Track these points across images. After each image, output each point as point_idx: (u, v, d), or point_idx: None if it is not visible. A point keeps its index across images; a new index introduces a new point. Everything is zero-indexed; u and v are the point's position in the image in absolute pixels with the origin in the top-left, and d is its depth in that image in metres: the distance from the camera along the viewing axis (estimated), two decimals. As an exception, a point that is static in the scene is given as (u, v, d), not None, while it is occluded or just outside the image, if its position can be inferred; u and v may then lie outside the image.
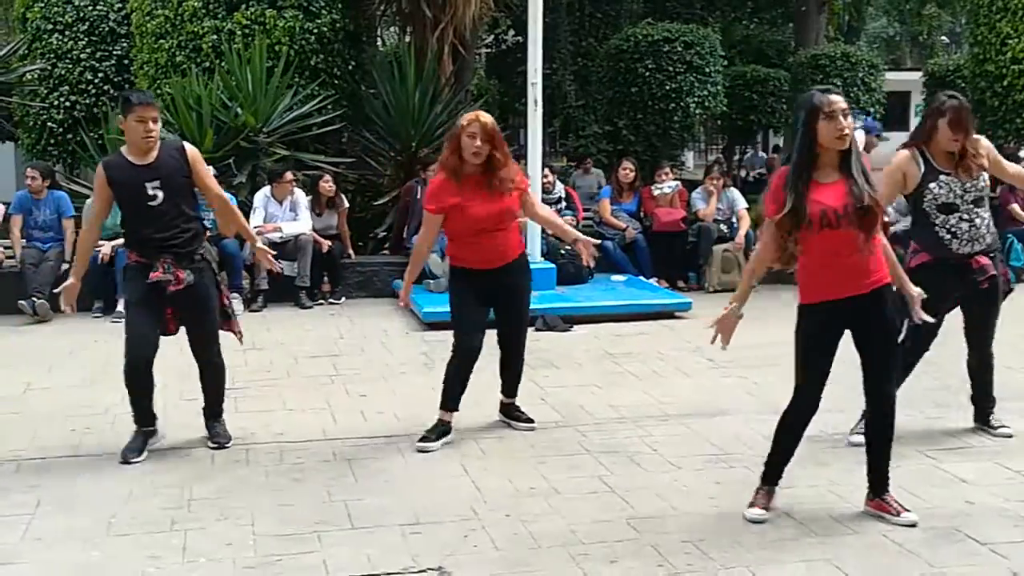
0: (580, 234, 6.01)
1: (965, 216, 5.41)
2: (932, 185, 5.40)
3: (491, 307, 5.83)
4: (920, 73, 17.29)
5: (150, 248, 5.41)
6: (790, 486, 4.93)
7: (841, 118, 4.26)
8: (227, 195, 9.63)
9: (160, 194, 5.35)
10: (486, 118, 5.57)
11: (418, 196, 10.50)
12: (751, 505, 4.60)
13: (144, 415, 5.58)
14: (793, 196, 4.29)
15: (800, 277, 4.53)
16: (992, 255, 5.54)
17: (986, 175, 5.49)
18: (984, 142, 5.49)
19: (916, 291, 4.65)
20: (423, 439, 5.69)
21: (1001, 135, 13.13)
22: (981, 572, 4.08)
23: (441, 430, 5.73)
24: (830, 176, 4.36)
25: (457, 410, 5.81)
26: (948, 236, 5.43)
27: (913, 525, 4.44)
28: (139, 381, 5.47)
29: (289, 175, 10.11)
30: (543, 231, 10.02)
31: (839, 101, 4.30)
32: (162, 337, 5.59)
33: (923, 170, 5.42)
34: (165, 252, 5.38)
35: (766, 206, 4.48)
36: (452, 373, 5.76)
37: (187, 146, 5.52)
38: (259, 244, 5.96)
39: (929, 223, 5.45)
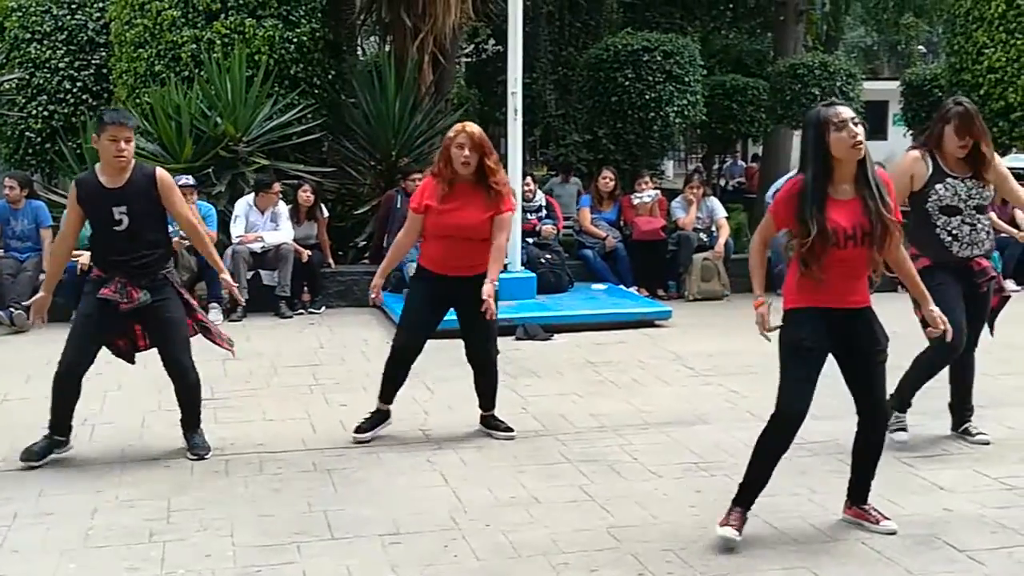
0: (492, 291, 5.66)
1: (967, 220, 5.45)
2: (939, 186, 5.44)
3: (448, 313, 5.89)
4: (898, 82, 17.36)
5: (108, 266, 5.43)
6: (771, 494, 4.93)
7: (852, 126, 4.20)
8: (207, 209, 9.67)
9: (125, 220, 5.35)
10: (473, 127, 5.63)
11: (398, 205, 10.49)
12: (724, 524, 4.41)
13: (61, 424, 5.57)
14: (816, 218, 4.20)
15: (789, 283, 4.45)
16: (991, 260, 5.60)
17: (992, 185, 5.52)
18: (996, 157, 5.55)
19: (937, 312, 4.62)
20: (357, 429, 5.88)
21: (978, 144, 13.21)
22: (959, 579, 4.10)
23: (376, 419, 5.92)
24: (845, 193, 4.28)
25: (391, 403, 5.93)
26: (949, 239, 5.47)
27: (892, 533, 4.45)
28: (65, 390, 5.49)
29: (277, 186, 10.09)
30: (523, 240, 10.04)
31: (846, 111, 4.24)
32: (139, 351, 5.65)
33: (931, 171, 5.46)
34: (122, 272, 5.39)
35: (775, 211, 4.43)
36: (387, 370, 5.89)
37: (160, 174, 5.46)
38: (225, 276, 5.95)
39: (930, 224, 5.48)
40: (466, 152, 5.54)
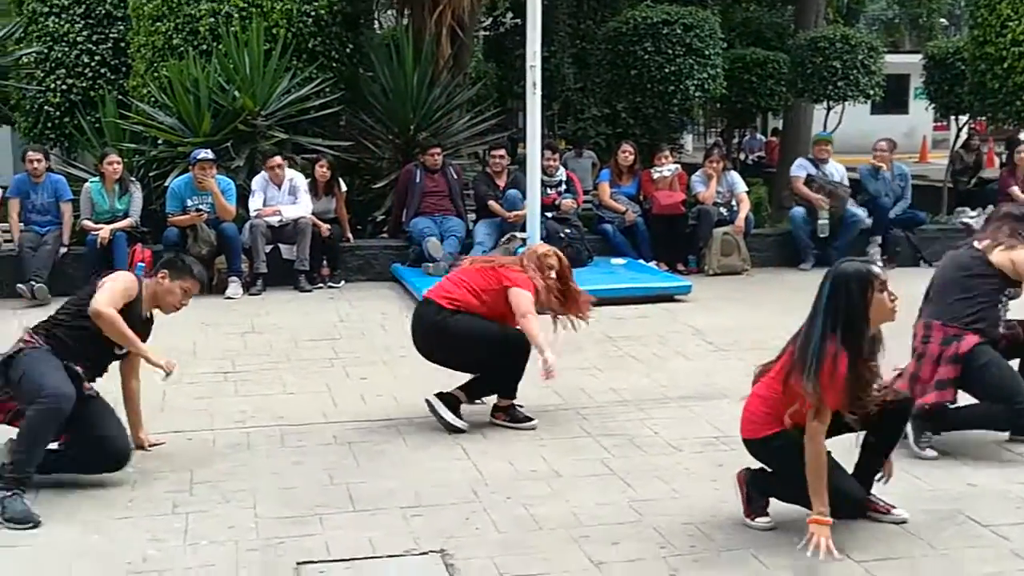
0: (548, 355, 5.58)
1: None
2: None
3: None
4: (919, 56, 17.19)
5: None
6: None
7: (891, 291, 4.08)
8: (227, 183, 9.67)
9: None
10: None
11: (416, 180, 10.47)
12: (755, 516, 4.36)
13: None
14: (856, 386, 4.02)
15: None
16: None
17: None
18: None
19: None
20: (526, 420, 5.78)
21: (1002, 117, 13.09)
22: (983, 554, 4.09)
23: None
24: None
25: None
26: (1003, 312, 5.31)
27: (904, 521, 4.35)
28: None
29: (278, 159, 10.01)
30: (543, 214, 9.98)
31: (883, 272, 4.14)
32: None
33: None
34: None
35: (831, 399, 3.98)
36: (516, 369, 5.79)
37: None
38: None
39: (994, 302, 5.24)
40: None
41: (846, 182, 11.22)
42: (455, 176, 10.74)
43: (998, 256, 5.18)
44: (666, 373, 6.87)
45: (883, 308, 4.06)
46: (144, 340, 5.17)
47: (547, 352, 5.47)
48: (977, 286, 5.20)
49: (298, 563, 4.05)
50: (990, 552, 4.10)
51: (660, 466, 5.10)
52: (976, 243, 5.33)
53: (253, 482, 4.88)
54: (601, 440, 5.49)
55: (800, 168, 11.26)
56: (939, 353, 5.19)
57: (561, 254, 5.95)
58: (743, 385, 6.45)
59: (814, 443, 4.00)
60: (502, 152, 10.78)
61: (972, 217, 11.70)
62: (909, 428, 5.01)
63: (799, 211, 10.96)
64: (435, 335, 5.75)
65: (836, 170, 11.28)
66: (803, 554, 3.94)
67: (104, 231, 9.48)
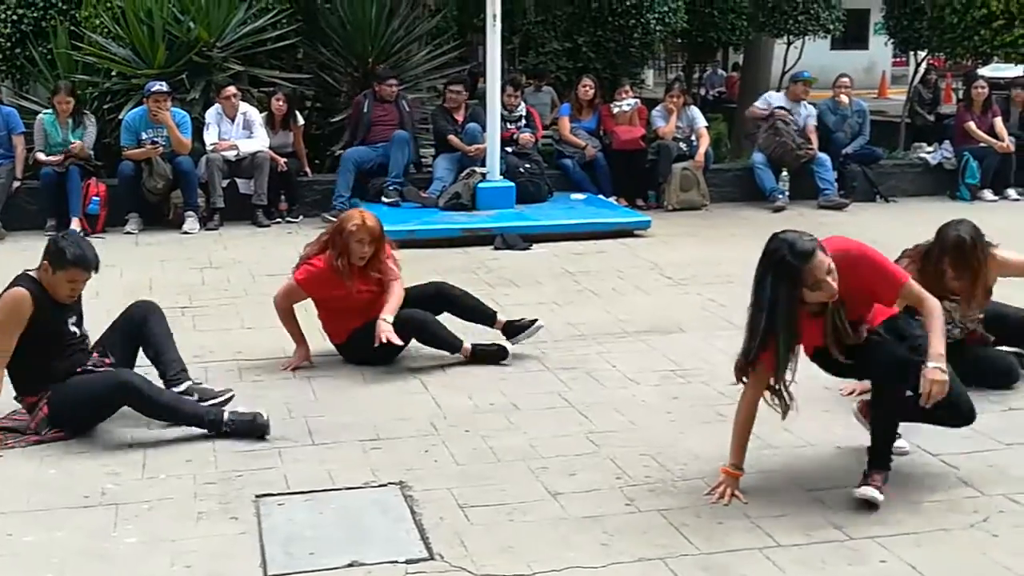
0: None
1: None
2: None
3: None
4: (880, -10, 17.17)
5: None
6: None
7: (831, 281, 3.75)
8: (182, 116, 9.53)
9: None
10: (372, 222, 5.48)
11: (364, 109, 10.32)
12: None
13: None
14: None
15: None
16: None
17: None
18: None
19: None
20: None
21: (960, 52, 13.15)
22: (932, 482, 4.18)
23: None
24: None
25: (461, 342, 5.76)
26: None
27: (904, 454, 4.34)
28: None
29: (232, 89, 9.87)
30: (502, 149, 9.94)
31: (825, 261, 3.74)
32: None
33: None
34: None
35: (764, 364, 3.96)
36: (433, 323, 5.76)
37: None
38: None
39: None
40: (365, 248, 5.47)
41: (813, 121, 11.13)
42: (407, 109, 10.58)
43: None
44: (624, 307, 6.90)
45: (814, 298, 3.86)
46: (80, 322, 4.93)
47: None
48: None
49: (257, 496, 4.07)
50: (940, 481, 4.19)
51: (617, 399, 5.15)
52: None
53: (211, 416, 4.87)
54: (559, 373, 5.53)
55: (763, 101, 11.28)
56: None
57: (369, 221, 5.49)
58: (701, 319, 6.58)
59: (743, 402, 4.11)
60: (459, 88, 10.67)
61: (928, 152, 11.81)
62: None
63: (759, 156, 10.92)
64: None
65: (804, 109, 11.17)
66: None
67: (58, 157, 9.34)
